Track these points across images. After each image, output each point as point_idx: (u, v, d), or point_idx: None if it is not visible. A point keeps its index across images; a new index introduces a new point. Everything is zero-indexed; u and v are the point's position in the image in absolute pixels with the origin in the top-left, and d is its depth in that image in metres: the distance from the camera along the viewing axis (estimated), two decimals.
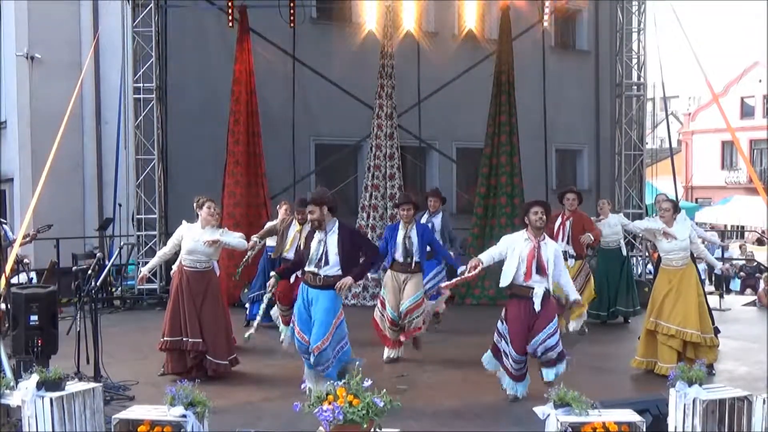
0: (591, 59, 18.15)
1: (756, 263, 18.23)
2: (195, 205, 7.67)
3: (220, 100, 13.23)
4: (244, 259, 9.55)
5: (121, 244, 13.56)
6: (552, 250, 6.75)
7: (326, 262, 6.55)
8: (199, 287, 7.51)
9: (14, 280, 9.18)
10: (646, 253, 14.01)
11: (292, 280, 8.44)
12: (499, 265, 6.82)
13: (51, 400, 5.21)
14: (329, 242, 6.58)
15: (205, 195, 7.79)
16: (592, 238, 9.20)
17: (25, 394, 5.25)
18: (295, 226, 9.21)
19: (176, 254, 7.73)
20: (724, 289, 14.35)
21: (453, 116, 15.48)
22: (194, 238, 7.47)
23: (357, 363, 5.82)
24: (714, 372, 7.69)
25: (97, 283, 7.60)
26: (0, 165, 15.46)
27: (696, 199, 37.60)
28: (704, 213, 29.15)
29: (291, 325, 7.01)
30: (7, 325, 6.96)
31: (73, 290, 10.04)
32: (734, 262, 18.75)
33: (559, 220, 9.43)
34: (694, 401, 5.35)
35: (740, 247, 21.79)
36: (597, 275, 10.26)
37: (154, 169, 12.83)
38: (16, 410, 5.43)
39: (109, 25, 14.56)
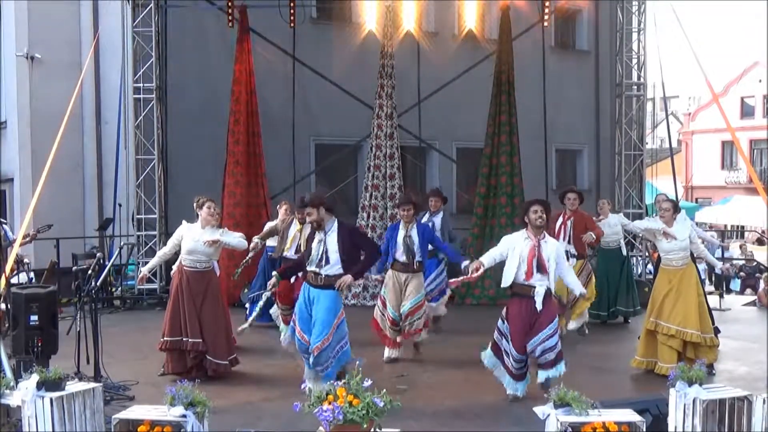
0: (591, 59, 18.15)
1: (756, 263, 18.23)
2: (195, 205, 7.67)
3: (220, 100, 13.23)
4: (245, 260, 9.56)
5: (121, 244, 13.56)
6: (553, 248, 6.75)
7: (327, 262, 6.59)
8: (199, 287, 7.51)
9: (14, 280, 9.19)
10: (646, 253, 14.01)
11: (292, 280, 8.45)
12: (499, 265, 6.82)
13: (51, 400, 5.21)
14: (329, 242, 6.61)
15: (205, 195, 7.79)
16: (594, 237, 9.20)
17: (25, 394, 5.25)
18: (295, 226, 9.21)
19: (176, 254, 7.73)
20: (724, 289, 14.35)
21: (453, 116, 15.48)
22: (194, 238, 7.47)
23: (357, 363, 5.83)
24: (714, 372, 7.69)
25: (97, 283, 7.59)
26: (0, 165, 15.46)
27: (696, 199, 37.60)
28: (704, 213, 29.16)
29: (291, 324, 7.02)
30: (7, 325, 6.96)
31: (73, 290, 10.04)
32: (734, 262, 18.75)
33: (561, 219, 9.43)
34: (694, 401, 5.35)
35: (740, 247, 21.79)
36: (597, 275, 10.26)
37: (154, 169, 12.83)
38: (16, 410, 5.43)
39: (109, 25, 14.56)
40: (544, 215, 6.75)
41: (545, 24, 14.08)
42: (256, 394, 7.10)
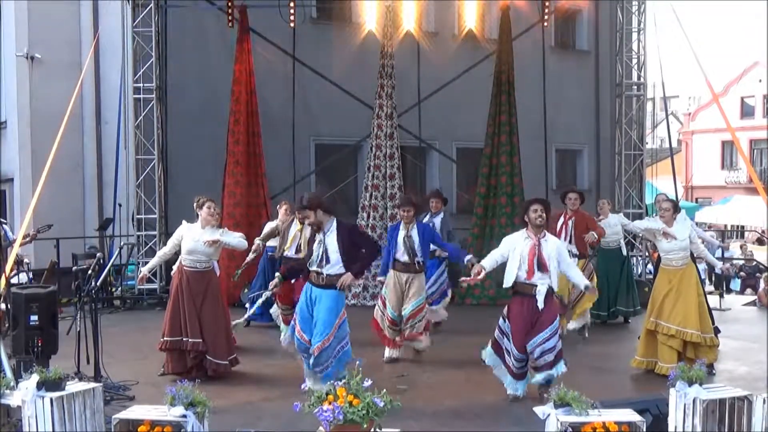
0: (591, 59, 18.15)
1: (756, 263, 18.23)
2: (195, 205, 7.66)
3: (220, 100, 13.22)
4: (246, 262, 9.56)
5: (121, 244, 13.56)
6: (553, 246, 6.74)
7: (327, 262, 6.61)
8: (199, 287, 7.51)
9: (14, 280, 9.19)
10: (646, 253, 14.01)
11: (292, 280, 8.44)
12: (500, 265, 6.82)
13: (51, 400, 5.21)
14: (328, 242, 6.63)
15: (205, 195, 7.79)
16: (597, 236, 9.20)
17: (25, 394, 5.25)
18: (295, 226, 9.22)
19: (177, 254, 7.73)
20: (724, 288, 14.35)
21: (453, 116, 15.48)
22: (194, 238, 7.47)
23: (357, 363, 5.83)
24: (714, 372, 7.69)
25: (97, 283, 7.59)
26: (0, 165, 15.46)
27: (696, 199, 37.60)
28: (704, 213, 29.16)
29: (291, 323, 7.02)
30: (7, 325, 6.96)
31: (73, 290, 10.03)
32: (735, 261, 18.75)
33: (562, 219, 9.43)
34: (694, 401, 5.35)
35: (741, 246, 21.78)
36: (597, 275, 10.26)
37: (154, 169, 12.83)
38: (16, 410, 5.43)
39: (109, 25, 14.56)
40: (544, 214, 6.75)
41: (545, 24, 14.11)
42: (256, 394, 7.10)
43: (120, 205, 14.04)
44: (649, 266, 13.50)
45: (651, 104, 21.07)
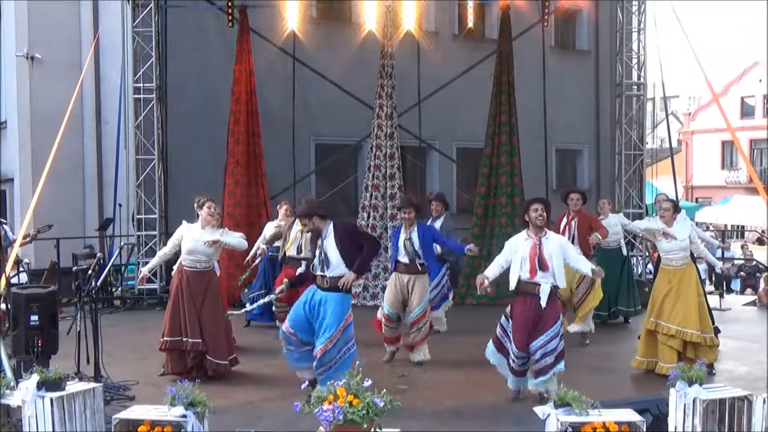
0: (591, 59, 18.17)
1: (756, 263, 18.23)
2: (195, 205, 7.66)
3: (220, 100, 13.23)
4: (251, 267, 9.57)
5: (121, 244, 13.56)
6: (555, 243, 6.72)
7: (329, 265, 6.61)
8: (199, 287, 7.51)
9: (14, 280, 9.19)
10: (646, 253, 14.01)
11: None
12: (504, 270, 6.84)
13: (51, 400, 5.21)
14: (327, 246, 6.65)
15: (205, 195, 7.78)
16: (601, 238, 9.20)
17: (25, 394, 5.26)
18: (297, 226, 9.21)
19: (177, 254, 7.73)
20: (725, 288, 14.34)
21: (453, 116, 15.49)
22: (194, 238, 7.47)
23: (357, 363, 5.82)
24: (714, 372, 7.69)
25: (98, 283, 7.59)
26: (0, 165, 15.46)
27: (696, 199, 37.61)
28: (704, 213, 29.17)
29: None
30: (7, 325, 6.96)
31: (73, 290, 10.04)
32: (735, 261, 18.75)
33: (565, 220, 9.42)
34: (694, 401, 5.35)
35: (742, 247, 21.77)
36: None
37: (154, 169, 12.83)
38: (16, 410, 5.44)
39: (109, 25, 14.55)
40: (545, 213, 6.76)
41: (545, 24, 14.11)
42: (256, 394, 7.11)
43: (120, 205, 14.04)
44: (649, 266, 13.49)
45: (651, 104, 21.07)
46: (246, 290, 10.97)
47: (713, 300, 11.56)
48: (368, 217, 12.71)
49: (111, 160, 14.71)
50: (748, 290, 16.90)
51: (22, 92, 15.27)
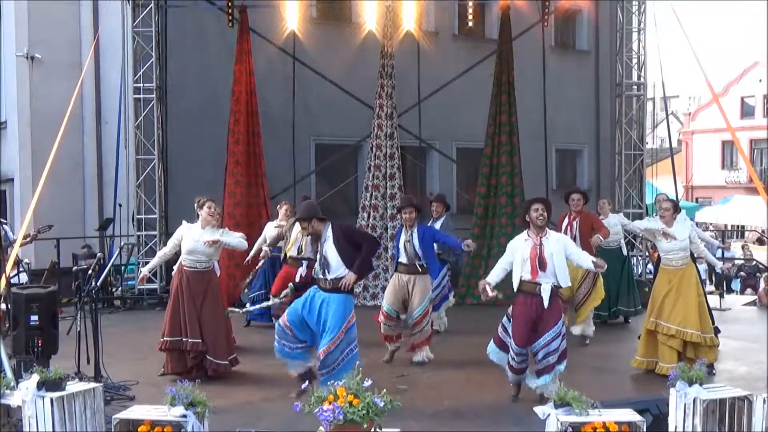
0: (591, 59, 18.16)
1: (756, 263, 18.23)
2: (195, 205, 7.66)
3: (220, 100, 13.22)
4: (256, 267, 9.59)
5: (122, 244, 13.56)
6: (555, 242, 6.70)
7: (329, 267, 6.62)
8: (199, 287, 7.51)
9: (14, 280, 9.19)
10: (646, 253, 14.01)
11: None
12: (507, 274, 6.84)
13: (51, 400, 5.22)
14: (327, 248, 6.66)
15: (206, 195, 7.78)
16: (602, 238, 9.20)
17: (25, 394, 5.26)
18: (298, 226, 9.21)
19: (177, 254, 7.73)
20: (725, 288, 14.34)
21: (453, 116, 15.49)
22: (194, 238, 7.46)
23: (357, 363, 5.83)
24: (714, 372, 7.69)
25: (98, 283, 7.59)
26: (0, 165, 15.46)
27: (696, 199, 37.61)
28: (704, 213, 29.17)
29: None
30: (7, 325, 6.96)
31: (73, 290, 10.04)
32: (735, 261, 18.74)
33: (566, 220, 9.42)
34: (694, 401, 5.35)
35: (742, 247, 21.77)
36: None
37: (154, 169, 12.83)
38: (16, 410, 5.44)
39: (109, 25, 14.56)
40: (546, 213, 6.75)
41: (545, 24, 14.10)
42: (256, 394, 7.11)
43: (120, 205, 14.04)
44: (649, 266, 13.49)
45: (651, 104, 21.05)
46: (246, 290, 10.97)
47: (713, 300, 11.56)
48: (368, 217, 12.71)
49: (111, 160, 14.71)
50: (748, 290, 16.89)
51: (22, 92, 15.28)
